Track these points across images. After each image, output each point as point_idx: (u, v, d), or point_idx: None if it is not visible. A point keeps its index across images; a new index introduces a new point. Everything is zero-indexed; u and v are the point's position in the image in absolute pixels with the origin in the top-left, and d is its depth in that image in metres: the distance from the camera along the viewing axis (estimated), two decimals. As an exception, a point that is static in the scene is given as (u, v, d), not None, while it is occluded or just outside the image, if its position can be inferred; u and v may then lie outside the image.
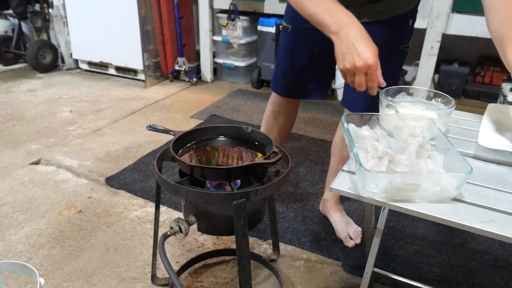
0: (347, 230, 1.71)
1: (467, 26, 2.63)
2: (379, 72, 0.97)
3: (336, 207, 1.78)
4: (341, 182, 0.84)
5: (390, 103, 1.01)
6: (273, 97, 1.68)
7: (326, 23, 0.99)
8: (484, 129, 1.03)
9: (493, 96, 2.94)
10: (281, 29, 1.53)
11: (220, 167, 1.21)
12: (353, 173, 0.86)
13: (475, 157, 0.97)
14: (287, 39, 1.50)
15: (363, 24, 0.98)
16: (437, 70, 2.98)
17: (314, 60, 1.49)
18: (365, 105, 1.37)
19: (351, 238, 1.69)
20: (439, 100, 1.03)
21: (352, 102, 1.46)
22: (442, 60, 3.15)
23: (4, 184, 2.07)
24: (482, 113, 1.19)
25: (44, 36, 3.86)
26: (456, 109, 1.23)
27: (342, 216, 1.77)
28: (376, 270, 1.39)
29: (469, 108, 2.13)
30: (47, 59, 3.76)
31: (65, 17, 3.61)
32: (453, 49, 3.21)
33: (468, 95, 3.17)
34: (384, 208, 1.25)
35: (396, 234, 1.75)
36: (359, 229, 1.73)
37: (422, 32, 2.74)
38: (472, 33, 2.64)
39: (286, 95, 1.62)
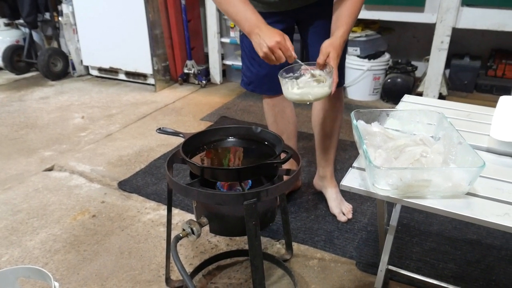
0: (340, 206, 1.84)
1: (478, 19, 2.59)
2: (290, 46, 1.20)
3: (333, 183, 1.88)
4: (351, 179, 0.83)
5: (287, 79, 1.24)
6: (265, 102, 1.79)
7: (241, 25, 1.26)
8: (496, 122, 1.02)
9: (506, 89, 2.90)
10: (240, 33, 1.56)
11: (230, 168, 1.21)
12: (363, 169, 0.86)
13: (488, 150, 0.96)
14: (249, 41, 1.39)
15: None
16: (448, 64, 2.94)
17: None
18: None
19: (343, 214, 1.81)
20: (327, 70, 1.23)
21: None
22: (453, 54, 3.11)
23: (19, 191, 2.10)
24: (495, 107, 1.17)
25: (54, 44, 3.92)
26: (468, 103, 1.23)
27: (337, 193, 1.88)
28: (391, 267, 1.38)
29: (482, 102, 2.10)
30: (58, 67, 3.80)
31: (75, 24, 3.66)
32: (464, 43, 3.16)
33: (481, 89, 3.13)
34: (396, 204, 1.24)
35: (410, 231, 1.73)
36: (350, 206, 1.86)
37: (432, 26, 2.71)
38: (483, 26, 2.60)
39: (271, 92, 1.72)
